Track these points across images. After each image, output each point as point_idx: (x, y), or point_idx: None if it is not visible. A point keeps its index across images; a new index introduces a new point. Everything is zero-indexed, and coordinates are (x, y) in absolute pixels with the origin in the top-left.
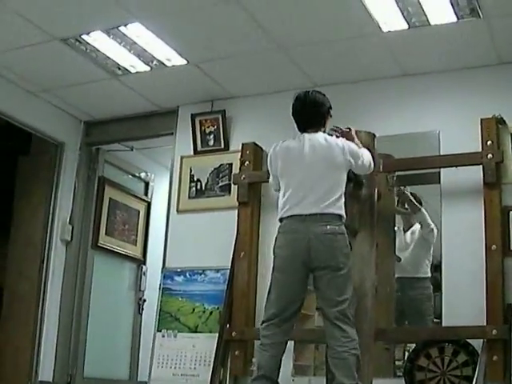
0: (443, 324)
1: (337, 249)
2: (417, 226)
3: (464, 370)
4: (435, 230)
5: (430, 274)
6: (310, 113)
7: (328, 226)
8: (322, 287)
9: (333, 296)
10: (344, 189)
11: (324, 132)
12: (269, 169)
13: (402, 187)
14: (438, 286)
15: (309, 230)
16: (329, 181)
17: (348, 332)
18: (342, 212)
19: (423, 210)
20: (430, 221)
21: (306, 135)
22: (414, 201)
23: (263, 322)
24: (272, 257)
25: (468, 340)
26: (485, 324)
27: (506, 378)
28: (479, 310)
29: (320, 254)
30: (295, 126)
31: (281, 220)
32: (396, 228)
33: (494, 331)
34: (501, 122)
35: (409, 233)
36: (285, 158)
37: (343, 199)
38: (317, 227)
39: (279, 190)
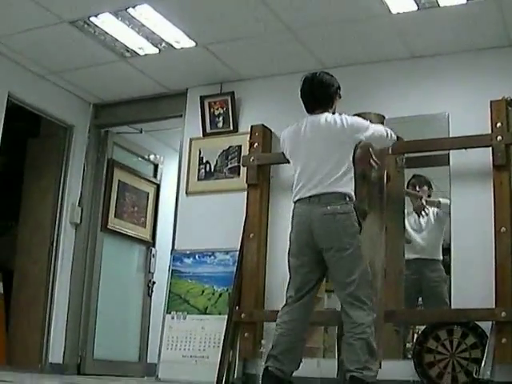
0: (452, 306)
1: (338, 229)
2: (431, 208)
3: (473, 352)
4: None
5: (442, 257)
6: (318, 94)
7: (328, 207)
8: (331, 269)
9: (341, 278)
10: (351, 166)
11: (333, 113)
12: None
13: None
14: (447, 269)
15: (311, 212)
16: (331, 160)
17: (354, 317)
18: (347, 189)
19: (441, 199)
20: (442, 200)
21: (309, 117)
22: (431, 198)
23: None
24: (284, 237)
25: (477, 322)
26: (494, 306)
27: None
28: (488, 293)
29: (321, 235)
30: (303, 107)
31: (294, 204)
32: (411, 209)
33: (503, 313)
34: (510, 104)
35: (424, 214)
36: (290, 143)
37: (349, 176)
38: (317, 208)
39: None
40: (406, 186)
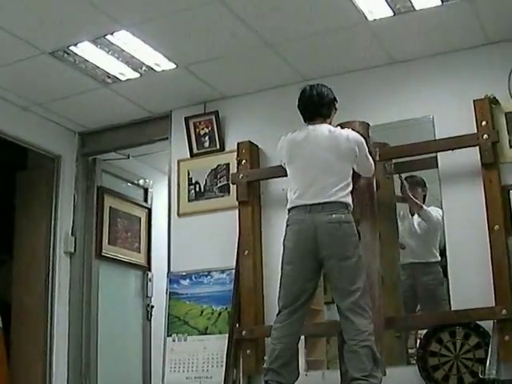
0: (452, 308)
1: (342, 237)
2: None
3: (476, 352)
4: (440, 219)
5: (439, 259)
6: (316, 105)
7: (333, 215)
8: (333, 278)
9: (344, 286)
10: (351, 178)
11: (330, 124)
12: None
13: (403, 184)
14: (444, 271)
15: (314, 220)
16: (334, 170)
17: (357, 324)
18: (348, 200)
19: (425, 207)
20: (433, 215)
21: (310, 126)
22: (415, 200)
23: (276, 316)
24: (279, 250)
25: (478, 322)
26: (494, 305)
27: None
28: (487, 291)
29: (326, 242)
30: (301, 118)
31: (288, 211)
32: (402, 213)
33: (504, 311)
34: (494, 101)
35: (416, 217)
36: (290, 150)
37: (350, 188)
38: (322, 216)
39: None
40: (399, 190)
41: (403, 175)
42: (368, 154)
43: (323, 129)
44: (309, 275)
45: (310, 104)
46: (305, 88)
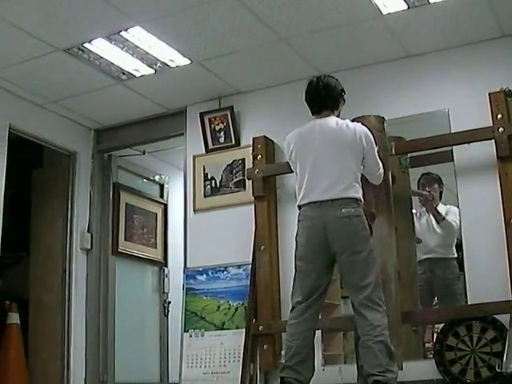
0: (469, 302)
1: (353, 232)
2: (442, 208)
3: (493, 346)
4: (458, 223)
5: (456, 255)
6: (323, 96)
7: (343, 210)
8: (345, 273)
9: (356, 281)
10: (361, 172)
11: (338, 116)
12: (286, 157)
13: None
14: (461, 265)
15: (324, 216)
16: (342, 164)
17: (370, 319)
18: (358, 195)
19: (447, 218)
20: (452, 224)
21: (318, 120)
22: (436, 212)
23: (290, 312)
24: (294, 246)
25: (495, 316)
26: (510, 298)
27: None
28: (504, 285)
29: (336, 238)
30: (309, 111)
31: (299, 207)
32: (419, 210)
33: None
34: (509, 94)
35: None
36: (297, 145)
37: (359, 181)
38: (332, 212)
39: None
40: (416, 185)
41: (420, 170)
42: (376, 151)
43: (330, 122)
44: (322, 271)
45: (316, 96)
46: (311, 80)
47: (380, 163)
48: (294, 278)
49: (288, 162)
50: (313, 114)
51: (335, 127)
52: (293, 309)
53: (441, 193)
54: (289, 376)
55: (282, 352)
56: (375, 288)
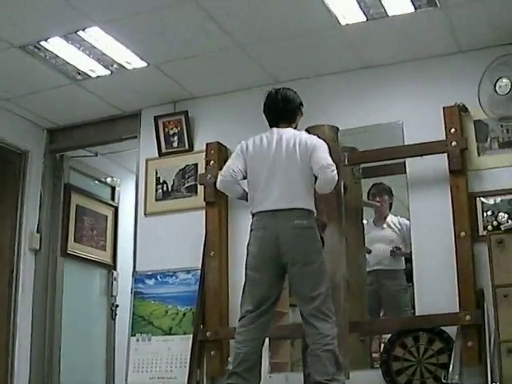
0: (417, 313)
1: (305, 243)
2: (392, 219)
3: (440, 357)
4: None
5: (404, 266)
6: (281, 109)
7: (296, 221)
8: (295, 283)
9: (306, 292)
10: (313, 183)
11: (295, 128)
12: (233, 159)
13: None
14: (410, 276)
15: (277, 226)
16: (296, 175)
17: (320, 328)
18: (311, 206)
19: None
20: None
21: (275, 130)
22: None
23: (239, 320)
24: (245, 252)
25: (442, 327)
26: (458, 310)
27: (482, 363)
28: (452, 297)
29: (289, 249)
30: (267, 123)
31: (252, 216)
32: (367, 221)
33: (468, 317)
34: (463, 109)
35: (385, 225)
36: (254, 152)
37: (312, 193)
38: (285, 222)
39: (237, 180)
40: (366, 196)
41: (371, 181)
42: (327, 153)
43: (287, 133)
44: (273, 281)
45: (274, 109)
46: (270, 92)
47: (330, 159)
48: (244, 287)
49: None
50: (270, 126)
51: (292, 139)
52: (243, 317)
53: (390, 204)
54: (236, 383)
55: (230, 359)
56: (325, 299)
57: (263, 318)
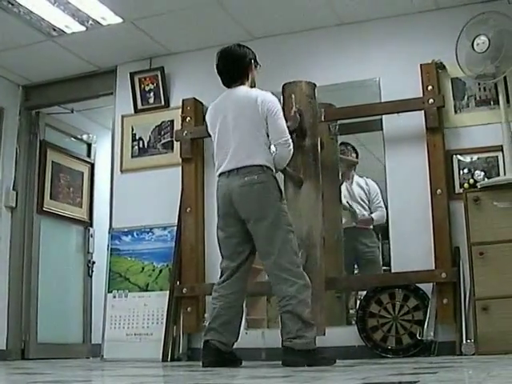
0: (392, 270)
1: (256, 199)
2: (357, 179)
3: (415, 314)
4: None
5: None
6: (231, 68)
7: (246, 178)
8: (255, 239)
9: (263, 247)
10: (266, 138)
11: (252, 84)
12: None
13: None
14: (386, 234)
15: (229, 185)
16: (245, 132)
17: (276, 291)
18: (263, 161)
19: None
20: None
21: (228, 91)
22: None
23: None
24: None
25: (418, 285)
26: (434, 268)
27: (457, 320)
28: (428, 255)
29: (240, 206)
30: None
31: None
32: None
33: (443, 274)
34: (440, 66)
35: (354, 184)
36: (211, 117)
37: (264, 148)
38: (236, 181)
39: None
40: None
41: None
42: (282, 119)
43: (239, 92)
44: (240, 237)
45: (223, 69)
46: (218, 52)
47: (286, 132)
48: (220, 247)
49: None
50: (224, 86)
51: (243, 97)
52: (220, 276)
53: (356, 164)
54: (213, 339)
55: (206, 315)
56: (284, 253)
57: (238, 274)
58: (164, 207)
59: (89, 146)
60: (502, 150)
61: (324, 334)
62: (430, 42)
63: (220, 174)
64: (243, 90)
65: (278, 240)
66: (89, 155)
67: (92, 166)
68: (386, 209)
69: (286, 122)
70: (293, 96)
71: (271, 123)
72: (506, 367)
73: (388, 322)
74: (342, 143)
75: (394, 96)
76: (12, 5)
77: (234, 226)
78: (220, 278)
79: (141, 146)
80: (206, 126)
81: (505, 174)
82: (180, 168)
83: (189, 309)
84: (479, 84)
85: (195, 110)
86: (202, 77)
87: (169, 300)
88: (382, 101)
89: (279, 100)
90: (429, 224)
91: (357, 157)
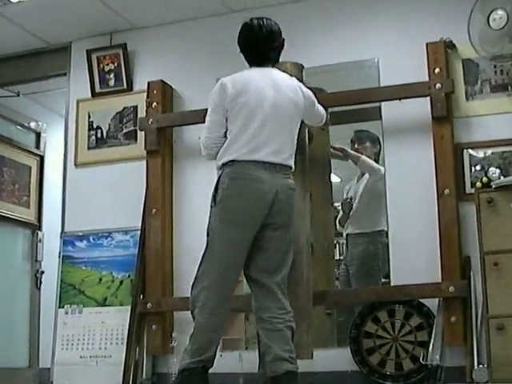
0: (392, 283)
1: (292, 208)
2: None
3: (418, 334)
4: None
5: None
6: (267, 47)
7: (289, 180)
8: (271, 249)
9: (278, 258)
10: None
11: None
12: (212, 106)
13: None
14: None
15: (275, 182)
16: (291, 127)
17: (284, 302)
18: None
19: (363, 157)
20: (376, 165)
21: (267, 70)
22: (350, 150)
23: (201, 289)
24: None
25: (421, 300)
26: (440, 281)
27: (467, 342)
28: (433, 266)
29: (281, 209)
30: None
31: (226, 163)
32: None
33: (451, 288)
34: (450, 46)
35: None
36: (242, 93)
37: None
38: (281, 180)
39: (221, 134)
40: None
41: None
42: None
43: (275, 75)
44: (247, 244)
45: (258, 46)
46: (251, 23)
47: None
48: (208, 249)
49: (209, 110)
50: (250, 65)
51: (290, 83)
52: (209, 286)
53: (375, 154)
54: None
55: (174, 334)
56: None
57: (231, 288)
58: (126, 208)
59: (38, 135)
60: None
61: (311, 358)
62: (438, 17)
63: (249, 162)
64: (281, 74)
65: (291, 254)
66: (38, 146)
67: (41, 158)
68: (386, 210)
69: None
70: None
71: (313, 112)
72: None
73: (387, 343)
74: (355, 132)
75: (395, 80)
76: None
77: (254, 226)
78: (210, 287)
79: (99, 135)
80: (219, 101)
81: None
82: (144, 162)
83: (154, 327)
84: (495, 66)
85: (163, 94)
86: (172, 56)
87: (130, 317)
88: (382, 85)
89: None
90: (435, 230)
91: (374, 145)
